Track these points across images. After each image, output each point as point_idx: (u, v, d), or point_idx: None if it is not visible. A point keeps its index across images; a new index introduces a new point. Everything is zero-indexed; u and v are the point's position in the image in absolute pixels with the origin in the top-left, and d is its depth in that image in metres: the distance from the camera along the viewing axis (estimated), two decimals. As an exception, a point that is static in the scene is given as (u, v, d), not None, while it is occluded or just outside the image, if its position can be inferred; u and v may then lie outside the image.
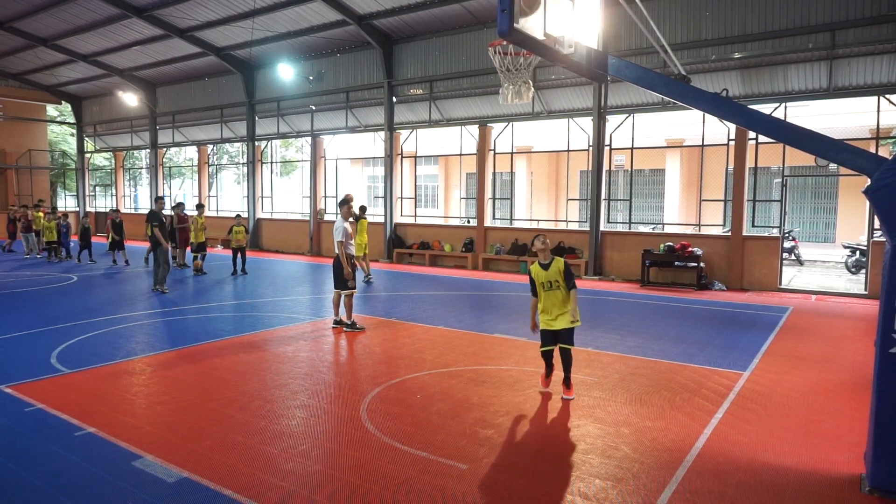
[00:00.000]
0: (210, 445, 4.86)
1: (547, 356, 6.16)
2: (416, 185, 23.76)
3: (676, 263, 14.27)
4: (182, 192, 34.96)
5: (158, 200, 13.32)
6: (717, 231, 15.27)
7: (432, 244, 19.22)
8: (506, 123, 17.86)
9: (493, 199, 18.65)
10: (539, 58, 5.88)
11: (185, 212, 17.40)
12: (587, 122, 16.21)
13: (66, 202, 34.62)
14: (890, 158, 4.26)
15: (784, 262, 14.60)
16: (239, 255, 15.87)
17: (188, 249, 17.04)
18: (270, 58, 21.92)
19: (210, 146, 26.95)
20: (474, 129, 18.33)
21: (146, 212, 28.51)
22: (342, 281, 9.12)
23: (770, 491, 4.20)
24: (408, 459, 4.64)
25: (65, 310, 10.80)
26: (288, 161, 32.78)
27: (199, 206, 17.24)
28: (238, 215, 16.97)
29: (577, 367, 7.21)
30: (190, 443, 4.92)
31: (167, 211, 17.63)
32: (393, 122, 19.61)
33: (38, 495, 4.08)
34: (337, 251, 9.13)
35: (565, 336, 6.00)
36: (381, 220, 20.18)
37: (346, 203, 9.48)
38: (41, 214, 20.18)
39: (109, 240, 17.78)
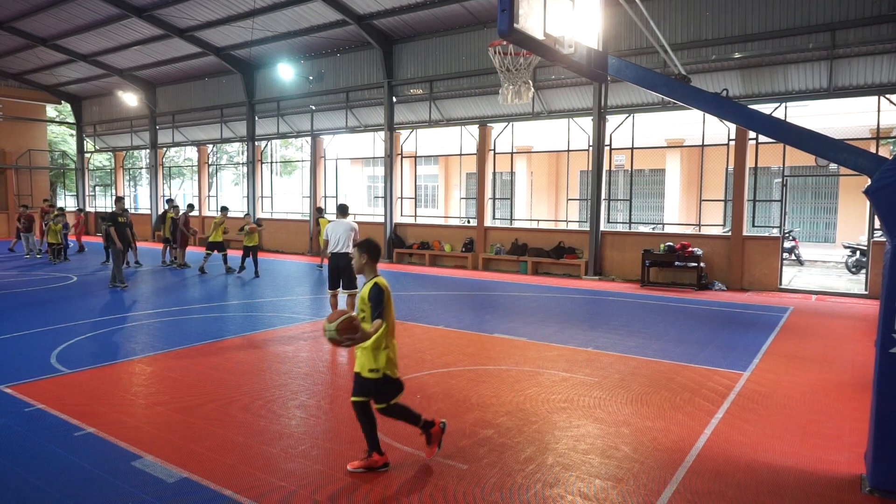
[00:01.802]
0: (210, 445, 4.86)
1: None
2: (416, 185, 23.75)
3: (676, 263, 14.26)
4: (182, 191, 34.97)
5: (119, 201, 13.97)
6: (718, 231, 15.27)
7: (432, 244, 19.22)
8: (506, 123, 17.85)
9: (493, 199, 18.65)
10: (539, 58, 5.88)
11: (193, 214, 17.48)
12: (587, 122, 16.21)
13: (65, 202, 34.62)
14: (890, 158, 4.26)
15: (784, 262, 14.60)
16: (250, 255, 15.52)
17: (191, 249, 17.12)
18: (270, 58, 21.92)
19: (210, 146, 26.96)
20: (474, 129, 18.33)
21: (144, 212, 28.67)
22: (352, 280, 9.11)
23: (770, 491, 4.20)
24: (408, 459, 4.64)
25: (65, 310, 10.80)
26: (288, 161, 32.78)
27: (224, 209, 17.24)
28: (247, 214, 16.74)
29: (578, 367, 7.22)
30: (190, 443, 4.92)
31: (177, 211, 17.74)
32: (393, 122, 19.61)
33: (38, 495, 4.08)
34: (350, 250, 9.12)
35: (361, 387, 4.37)
36: (381, 220, 20.19)
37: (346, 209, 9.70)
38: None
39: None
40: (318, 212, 17.62)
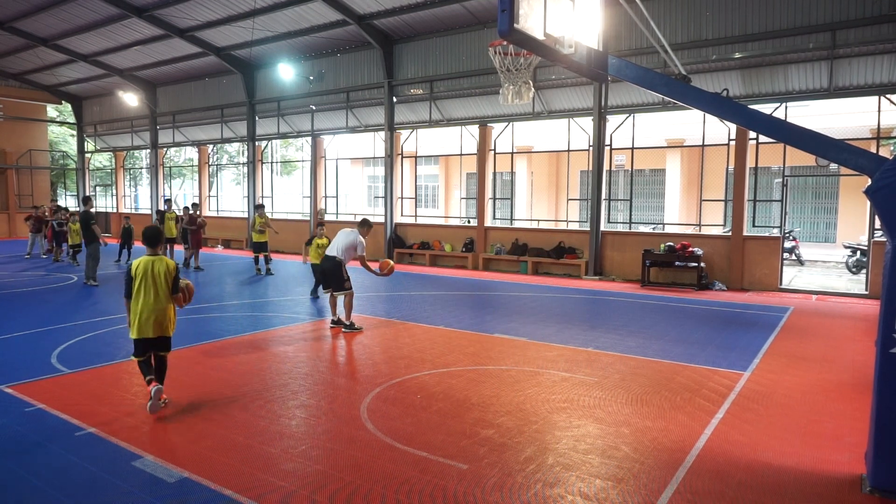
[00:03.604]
0: (210, 445, 4.86)
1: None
2: (416, 185, 23.73)
3: (677, 263, 14.26)
4: (182, 191, 34.97)
5: (87, 201, 14.66)
6: (718, 231, 15.26)
7: (432, 244, 19.22)
8: (506, 123, 17.85)
9: (494, 199, 18.64)
10: (539, 58, 5.88)
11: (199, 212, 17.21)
12: (587, 122, 16.20)
13: (66, 202, 34.63)
14: (890, 158, 4.26)
15: (784, 262, 14.59)
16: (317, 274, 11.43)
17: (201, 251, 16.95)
18: (270, 58, 21.92)
19: (210, 146, 26.96)
20: (474, 129, 18.32)
21: (145, 212, 28.69)
22: (339, 282, 9.13)
23: (770, 491, 4.20)
24: (408, 459, 4.64)
25: (65, 310, 10.80)
26: (288, 161, 32.77)
27: (259, 207, 16.79)
28: (321, 224, 12.42)
29: (578, 367, 7.23)
30: (190, 443, 4.92)
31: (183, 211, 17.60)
32: (393, 122, 19.61)
33: (38, 495, 4.08)
34: (353, 259, 9.27)
35: None
36: (382, 220, 20.18)
37: (368, 225, 9.74)
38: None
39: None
40: (258, 209, 16.89)
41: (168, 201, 18.41)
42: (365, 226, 9.66)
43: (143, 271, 5.55)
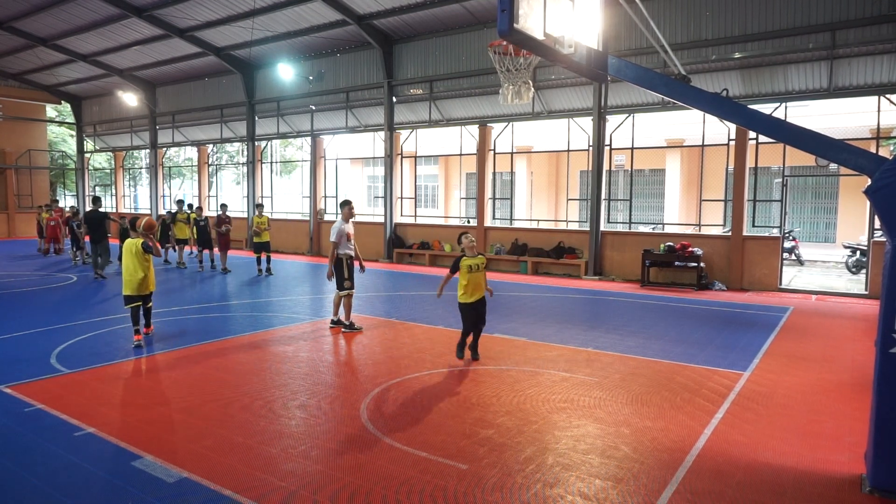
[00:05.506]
0: (210, 445, 4.86)
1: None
2: (416, 185, 23.74)
3: (676, 263, 14.26)
4: (182, 191, 34.93)
5: (96, 201, 15.48)
6: (718, 231, 15.26)
7: (432, 244, 19.21)
8: (506, 123, 17.85)
9: (493, 199, 18.64)
10: (539, 58, 5.88)
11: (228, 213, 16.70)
12: (587, 122, 16.20)
13: (65, 202, 34.64)
14: (890, 158, 4.26)
15: (784, 262, 14.59)
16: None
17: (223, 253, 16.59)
18: (270, 58, 21.91)
19: (210, 146, 26.95)
20: (474, 129, 18.32)
21: (145, 212, 28.69)
22: (339, 281, 9.11)
23: (770, 491, 4.20)
24: (408, 459, 4.64)
25: (65, 309, 10.80)
26: (288, 161, 32.76)
27: (259, 206, 16.36)
28: (467, 238, 7.45)
29: (578, 367, 7.23)
30: (190, 443, 4.92)
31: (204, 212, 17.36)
32: (393, 122, 19.61)
33: (38, 495, 4.08)
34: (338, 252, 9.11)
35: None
36: (381, 220, 20.18)
37: (347, 204, 9.32)
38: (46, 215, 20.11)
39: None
40: (257, 208, 16.43)
41: (180, 202, 18.04)
42: (343, 206, 9.23)
43: (126, 249, 8.03)
